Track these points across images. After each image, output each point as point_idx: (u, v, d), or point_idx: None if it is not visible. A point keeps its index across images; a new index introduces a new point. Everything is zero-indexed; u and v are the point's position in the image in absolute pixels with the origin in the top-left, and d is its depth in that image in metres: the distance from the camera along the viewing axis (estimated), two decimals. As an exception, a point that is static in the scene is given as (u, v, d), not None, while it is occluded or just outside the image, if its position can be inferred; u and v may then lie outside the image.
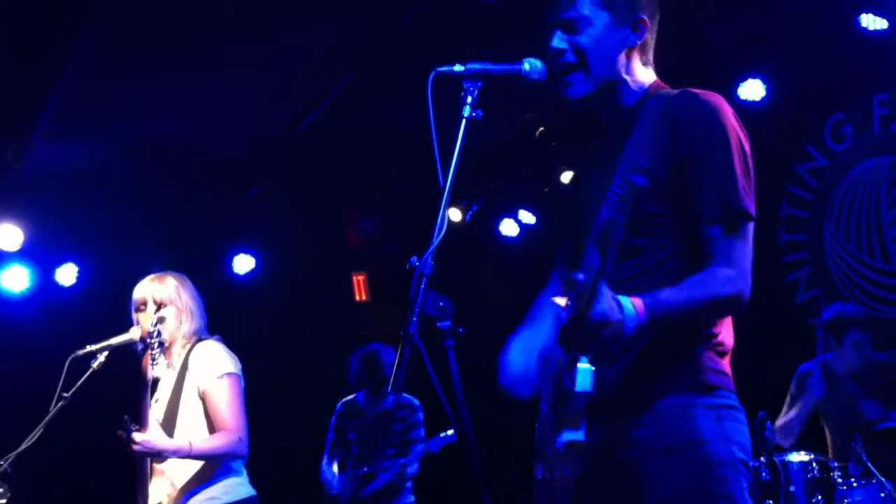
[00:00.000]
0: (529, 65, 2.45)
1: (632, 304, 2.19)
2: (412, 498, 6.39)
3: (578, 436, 2.22)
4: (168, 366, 4.23)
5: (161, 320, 4.15)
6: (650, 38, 2.56)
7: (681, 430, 2.33)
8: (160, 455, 4.01)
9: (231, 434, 4.14)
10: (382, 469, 6.19)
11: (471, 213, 8.16)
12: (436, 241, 2.24)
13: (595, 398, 2.20)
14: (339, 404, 6.59)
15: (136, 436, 3.89)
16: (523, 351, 2.61)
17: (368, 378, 6.43)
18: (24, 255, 7.29)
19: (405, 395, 6.44)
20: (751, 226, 2.37)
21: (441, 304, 2.25)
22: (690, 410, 2.34)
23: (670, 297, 2.25)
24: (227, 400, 4.18)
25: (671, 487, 2.30)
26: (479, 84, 2.39)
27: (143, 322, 4.21)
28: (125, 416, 3.91)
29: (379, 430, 6.35)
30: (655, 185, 2.31)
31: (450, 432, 6.29)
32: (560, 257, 2.81)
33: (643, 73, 2.56)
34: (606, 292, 2.14)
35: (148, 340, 4.05)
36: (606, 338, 2.15)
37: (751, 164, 2.39)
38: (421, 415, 6.40)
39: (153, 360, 4.02)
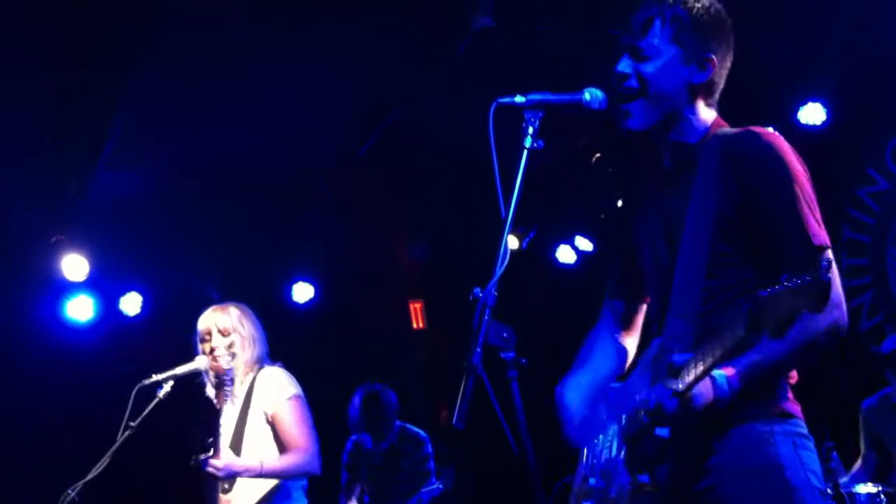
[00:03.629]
0: (590, 94, 2.46)
1: (725, 378, 2.25)
2: None
3: (646, 478, 2.34)
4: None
5: (233, 356, 4.22)
6: (717, 79, 2.56)
7: (761, 454, 2.37)
8: (237, 476, 4.06)
9: (303, 452, 4.19)
10: None
11: (527, 239, 8.13)
12: (499, 271, 2.24)
13: (670, 438, 2.28)
14: (347, 443, 6.51)
15: (217, 461, 3.95)
16: (581, 398, 2.63)
17: (370, 418, 6.32)
18: (89, 284, 7.40)
19: (410, 427, 6.40)
20: (830, 252, 2.39)
21: (504, 334, 2.25)
22: (770, 437, 2.39)
23: (766, 357, 2.29)
24: (296, 419, 4.24)
25: None
26: (540, 114, 2.40)
27: (211, 352, 4.28)
28: (208, 440, 3.99)
29: (388, 468, 6.30)
30: (726, 225, 2.39)
31: (434, 486, 6.18)
32: (612, 291, 2.84)
33: (706, 112, 2.56)
34: (705, 380, 2.22)
35: (223, 378, 4.12)
36: (703, 414, 2.25)
37: (814, 197, 2.41)
38: (429, 447, 6.34)
39: (226, 396, 4.09)
